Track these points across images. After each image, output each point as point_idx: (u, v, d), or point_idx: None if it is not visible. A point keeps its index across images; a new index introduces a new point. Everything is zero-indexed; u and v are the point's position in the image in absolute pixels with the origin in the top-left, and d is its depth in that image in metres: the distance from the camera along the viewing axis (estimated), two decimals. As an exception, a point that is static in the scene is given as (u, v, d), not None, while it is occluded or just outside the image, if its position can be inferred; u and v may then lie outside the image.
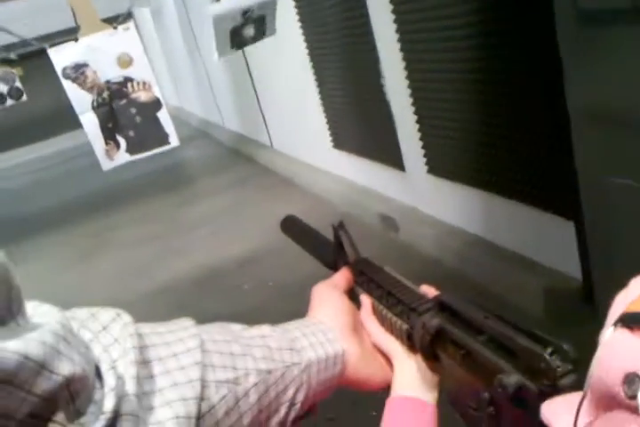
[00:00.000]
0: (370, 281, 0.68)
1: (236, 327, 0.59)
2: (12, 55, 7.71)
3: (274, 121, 5.81)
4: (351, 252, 0.72)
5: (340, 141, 4.30)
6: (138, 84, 3.49)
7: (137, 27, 3.68)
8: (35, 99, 10.67)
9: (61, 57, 3.37)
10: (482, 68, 2.47)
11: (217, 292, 3.57)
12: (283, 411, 0.57)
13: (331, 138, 4.40)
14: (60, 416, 0.36)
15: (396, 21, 2.97)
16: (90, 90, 3.44)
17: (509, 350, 0.46)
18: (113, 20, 3.52)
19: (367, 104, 3.67)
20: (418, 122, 3.14)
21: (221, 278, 3.74)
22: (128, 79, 3.48)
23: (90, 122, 3.47)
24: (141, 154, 3.63)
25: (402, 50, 3.02)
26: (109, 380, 0.41)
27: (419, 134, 3.18)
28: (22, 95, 7.39)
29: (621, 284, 0.35)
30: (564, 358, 0.41)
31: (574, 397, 0.34)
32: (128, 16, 3.93)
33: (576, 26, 1.29)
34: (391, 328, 0.63)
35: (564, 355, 0.41)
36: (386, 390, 0.64)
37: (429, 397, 0.59)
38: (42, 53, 3.52)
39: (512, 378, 0.44)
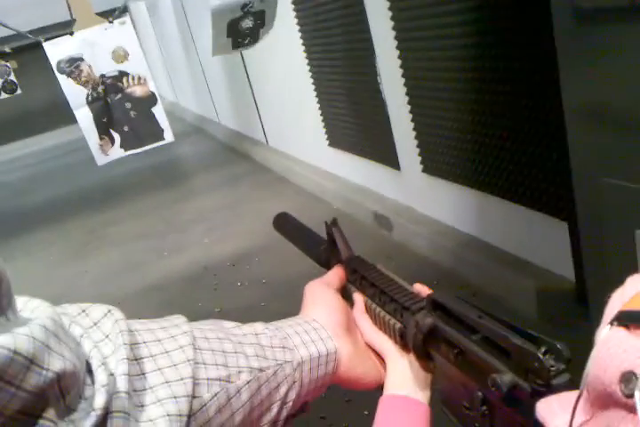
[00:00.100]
0: (363, 279, 0.67)
1: (229, 325, 0.59)
2: (7, 48, 7.67)
3: (269, 118, 5.80)
4: (344, 250, 0.72)
5: (335, 140, 4.30)
6: (133, 78, 3.47)
7: (133, 21, 3.66)
8: (29, 92, 10.62)
9: (56, 51, 3.35)
10: (477, 68, 2.47)
11: (210, 289, 3.57)
12: (275, 409, 0.57)
13: (326, 136, 4.39)
14: (50, 413, 0.36)
15: (392, 19, 2.97)
16: (85, 84, 3.42)
17: (503, 349, 0.45)
18: (109, 14, 3.50)
19: (363, 103, 3.67)
20: (413, 121, 3.14)
21: (215, 276, 3.73)
22: (123, 74, 3.46)
23: (84, 116, 3.45)
24: (136, 149, 3.62)
25: (398, 48, 3.02)
26: (100, 377, 0.40)
27: (414, 133, 3.18)
28: (16, 89, 7.36)
29: (614, 285, 0.35)
30: (557, 358, 0.41)
31: (570, 395, 0.33)
32: (124, 10, 3.90)
33: (573, 25, 1.29)
34: (384, 327, 0.63)
35: (558, 354, 0.41)
36: (378, 388, 0.63)
37: (422, 396, 0.58)
38: (36, 47, 3.50)
39: (505, 377, 0.43)
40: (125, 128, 3.58)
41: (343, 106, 3.94)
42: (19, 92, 7.44)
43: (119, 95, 3.49)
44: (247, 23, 2.37)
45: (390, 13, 2.97)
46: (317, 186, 4.68)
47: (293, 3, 4.09)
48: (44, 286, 4.11)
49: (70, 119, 3.78)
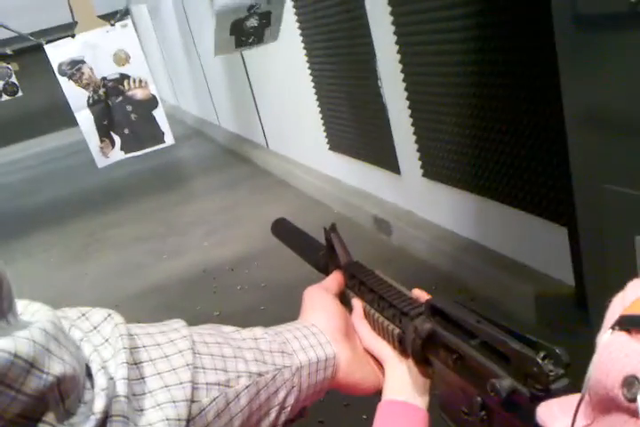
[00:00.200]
0: (361, 285, 0.67)
1: (228, 329, 0.59)
2: (8, 50, 7.68)
3: (270, 122, 5.80)
4: (343, 255, 0.72)
5: (335, 143, 4.30)
6: (134, 81, 3.48)
7: (134, 24, 3.67)
8: (30, 94, 10.64)
9: (58, 53, 3.36)
10: (477, 73, 2.47)
11: (210, 292, 3.56)
12: (273, 414, 0.57)
13: (326, 140, 4.40)
14: (49, 416, 0.36)
15: (393, 23, 2.98)
16: (86, 87, 3.43)
17: (502, 354, 0.45)
18: (110, 17, 3.50)
19: (363, 106, 3.67)
20: (413, 125, 3.14)
21: (214, 279, 3.73)
22: (124, 76, 3.46)
23: (85, 119, 3.45)
24: (136, 152, 3.62)
25: (399, 53, 3.02)
26: (100, 380, 0.40)
27: (414, 138, 3.18)
28: (18, 91, 7.37)
29: (614, 290, 0.35)
30: (556, 363, 0.41)
31: (570, 399, 0.34)
32: (125, 13, 3.91)
33: (574, 30, 1.29)
34: (383, 332, 0.63)
35: (557, 359, 0.41)
36: (377, 394, 0.63)
37: (420, 401, 0.58)
38: (38, 49, 3.50)
39: (504, 382, 0.43)
40: (126, 131, 3.58)
41: (344, 110, 3.95)
42: (20, 94, 7.45)
43: (120, 98, 3.50)
44: (252, 22, 2.37)
45: (391, 18, 2.98)
46: (317, 189, 4.68)
47: (295, 7, 4.10)
48: (44, 288, 4.11)
49: (71, 121, 3.79)
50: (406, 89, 3.09)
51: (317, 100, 4.30)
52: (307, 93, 4.37)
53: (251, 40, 2.50)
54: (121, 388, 0.42)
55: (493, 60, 2.36)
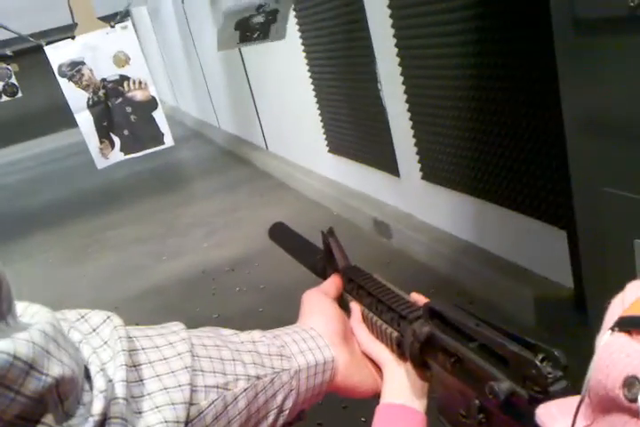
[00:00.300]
0: (359, 288, 0.68)
1: (227, 332, 0.59)
2: (8, 51, 7.69)
3: (269, 123, 5.81)
4: (340, 259, 0.72)
5: (335, 146, 4.31)
6: (134, 82, 3.48)
7: (134, 25, 3.67)
8: (30, 95, 10.64)
9: (58, 54, 3.36)
10: (477, 76, 2.48)
11: (209, 294, 3.56)
12: (271, 417, 0.57)
13: (326, 142, 4.40)
14: (48, 418, 0.36)
15: (393, 26, 2.98)
16: (85, 88, 3.43)
17: (500, 357, 0.45)
18: (110, 19, 3.51)
19: (363, 109, 3.67)
20: (413, 128, 3.15)
21: (214, 280, 3.73)
22: (124, 78, 3.47)
23: (85, 120, 3.45)
24: (136, 153, 3.62)
25: (399, 55, 3.03)
26: (99, 382, 0.40)
27: (413, 140, 3.19)
28: (17, 92, 7.37)
29: (613, 293, 0.35)
30: (554, 365, 0.41)
31: (569, 401, 0.34)
32: (126, 15, 3.92)
33: (573, 34, 1.30)
34: (381, 336, 0.63)
35: (555, 361, 0.41)
36: (375, 397, 0.63)
37: (419, 404, 0.58)
38: (38, 50, 3.51)
39: (503, 385, 0.43)
40: (125, 132, 3.58)
41: (343, 112, 3.95)
42: (19, 95, 7.46)
43: (120, 99, 3.50)
44: (258, 18, 2.37)
45: (391, 21, 2.98)
46: (317, 192, 4.68)
47: (295, 9, 4.11)
48: (43, 289, 4.10)
49: (71, 123, 3.79)
50: (406, 92, 3.09)
51: (317, 102, 4.30)
52: (306, 95, 4.38)
53: (255, 35, 2.49)
54: (120, 390, 0.42)
55: (492, 63, 2.36)
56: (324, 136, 4.38)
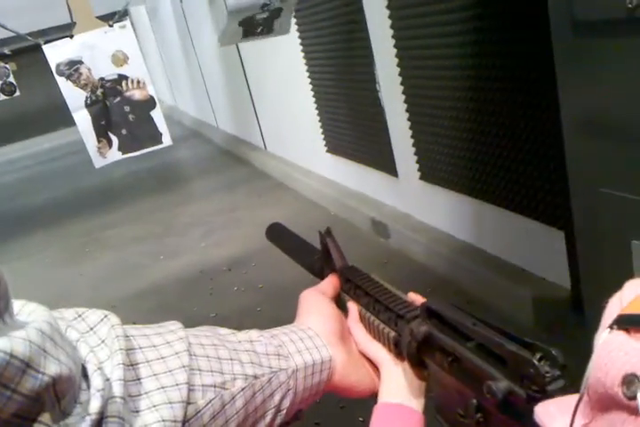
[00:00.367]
0: (357, 288, 0.68)
1: (224, 331, 0.59)
2: (6, 50, 7.68)
3: (268, 123, 5.81)
4: (338, 259, 0.72)
5: (333, 146, 4.31)
6: (132, 82, 3.48)
7: (133, 25, 3.67)
8: (28, 94, 10.63)
9: (56, 53, 3.35)
10: (476, 77, 2.48)
11: (207, 293, 3.56)
12: (269, 417, 0.57)
13: (324, 142, 4.40)
14: (45, 417, 0.36)
15: (392, 27, 2.98)
16: (84, 87, 3.43)
17: (498, 356, 0.45)
18: (109, 18, 3.50)
19: (361, 109, 3.67)
20: (411, 128, 3.15)
21: (211, 280, 3.73)
22: (122, 77, 3.46)
23: (83, 119, 3.45)
24: (134, 152, 3.62)
25: (397, 56, 3.03)
26: (96, 381, 0.40)
27: (412, 141, 3.19)
28: (15, 90, 7.36)
29: (610, 294, 0.35)
30: (552, 364, 0.41)
31: (568, 399, 0.34)
32: (124, 14, 3.91)
33: (571, 36, 1.30)
34: (378, 335, 0.63)
35: (553, 360, 0.41)
36: (372, 396, 0.64)
37: (416, 404, 0.59)
38: (36, 49, 3.50)
39: (501, 384, 0.44)
40: (124, 131, 3.58)
41: (341, 112, 3.95)
42: (17, 93, 7.45)
43: (118, 98, 3.50)
44: (262, 14, 2.36)
45: (390, 22, 2.98)
46: (315, 192, 4.68)
47: (294, 10, 4.11)
48: (41, 288, 4.10)
49: (69, 122, 3.79)
50: (404, 92, 3.09)
51: (315, 102, 4.30)
52: (305, 96, 4.38)
53: (259, 30, 2.48)
54: (117, 389, 0.42)
55: (491, 64, 2.37)
56: (323, 136, 4.39)
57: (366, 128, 3.70)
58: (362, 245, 3.56)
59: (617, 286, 0.35)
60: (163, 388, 0.46)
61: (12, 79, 7.26)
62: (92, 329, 0.45)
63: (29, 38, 3.61)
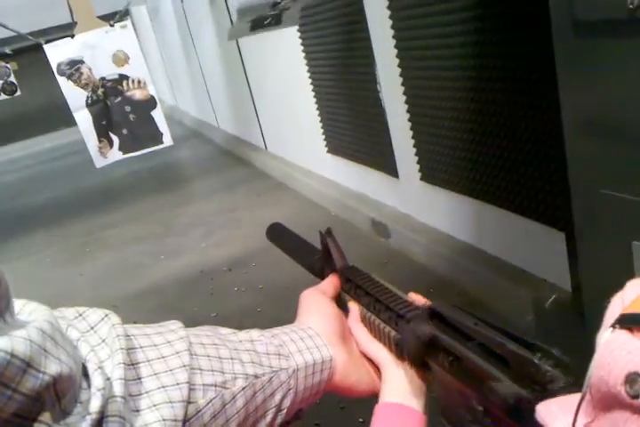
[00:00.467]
0: (357, 288, 0.68)
1: (225, 331, 0.59)
2: (7, 50, 7.68)
3: (268, 124, 5.81)
4: (338, 259, 0.72)
5: (334, 146, 4.31)
6: (133, 82, 3.48)
7: (134, 25, 3.67)
8: (29, 94, 10.64)
9: (57, 53, 3.36)
10: (476, 77, 2.48)
11: (207, 293, 3.56)
12: (269, 416, 0.57)
13: (325, 142, 4.40)
14: (45, 416, 0.36)
15: (392, 27, 2.98)
16: (84, 87, 3.43)
17: (500, 356, 0.45)
18: (110, 18, 3.51)
19: (362, 110, 3.67)
20: (412, 129, 3.15)
21: (212, 280, 3.73)
22: (123, 77, 3.47)
23: (84, 119, 3.45)
24: (134, 152, 3.62)
25: (398, 57, 3.03)
26: (96, 380, 0.40)
27: (412, 141, 3.19)
28: (16, 90, 7.37)
29: (611, 296, 0.35)
30: (553, 363, 0.41)
31: (569, 398, 0.34)
32: (125, 14, 3.92)
33: (572, 36, 1.30)
34: (379, 335, 0.63)
35: (554, 360, 0.41)
36: (372, 396, 0.64)
37: (417, 404, 0.59)
38: (37, 49, 3.51)
39: (503, 385, 0.44)
40: (124, 131, 3.58)
41: (342, 113, 3.95)
42: (18, 93, 7.46)
43: (119, 98, 3.50)
44: (272, 11, 2.36)
45: (390, 22, 2.98)
46: (315, 192, 4.68)
47: (269, 24, 4.11)
48: (41, 287, 4.10)
49: (70, 121, 3.79)
50: (405, 93, 3.09)
51: (316, 102, 4.30)
52: (306, 96, 4.38)
53: (267, 22, 2.47)
54: (117, 388, 0.42)
55: (492, 65, 2.37)
56: (323, 137, 4.39)
57: (367, 129, 3.70)
58: (362, 246, 3.56)
59: (618, 287, 0.35)
60: (163, 387, 0.46)
61: (12, 79, 7.26)
62: (92, 328, 0.45)
63: (30, 38, 3.61)
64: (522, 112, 2.29)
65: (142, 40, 9.29)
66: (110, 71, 3.44)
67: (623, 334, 0.30)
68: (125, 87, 3.48)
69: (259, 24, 2.44)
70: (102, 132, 3.52)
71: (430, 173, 3.13)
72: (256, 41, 4.98)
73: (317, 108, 4.32)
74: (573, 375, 0.40)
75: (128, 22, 3.47)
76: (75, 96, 3.42)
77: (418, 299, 0.63)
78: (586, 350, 0.35)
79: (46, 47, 3.35)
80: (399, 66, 3.04)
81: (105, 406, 0.39)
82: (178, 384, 0.47)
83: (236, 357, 0.55)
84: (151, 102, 3.55)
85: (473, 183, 2.75)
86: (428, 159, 3.11)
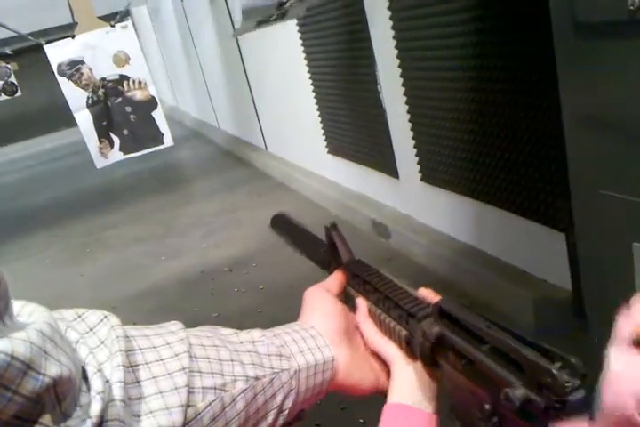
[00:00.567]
0: (365, 284, 0.66)
1: (226, 332, 0.59)
2: (8, 50, 7.68)
3: (269, 124, 5.81)
4: (345, 253, 0.71)
5: (334, 147, 4.31)
6: (134, 82, 3.48)
7: (134, 25, 3.67)
8: (29, 94, 10.65)
9: (57, 53, 3.36)
10: (477, 79, 2.48)
11: (207, 294, 3.56)
12: (270, 417, 0.56)
13: (325, 143, 4.40)
14: (46, 418, 0.36)
15: (393, 28, 2.98)
16: (85, 87, 3.43)
17: (514, 361, 0.45)
18: (110, 18, 3.51)
19: (363, 111, 3.67)
20: (412, 130, 3.15)
21: (212, 280, 3.73)
22: (124, 77, 3.47)
23: (84, 119, 3.45)
24: (135, 153, 3.62)
25: (398, 57, 3.03)
26: (96, 384, 0.40)
27: (413, 142, 3.19)
28: (17, 90, 7.38)
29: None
30: (572, 373, 0.40)
31: (581, 423, 0.33)
32: (126, 14, 3.92)
33: (573, 37, 1.30)
34: (389, 333, 0.62)
35: (573, 369, 0.40)
36: (376, 394, 0.63)
37: (427, 404, 0.58)
38: (38, 49, 3.51)
39: (518, 392, 0.43)
40: (125, 131, 3.58)
41: (343, 113, 3.95)
42: (19, 93, 7.47)
43: (119, 99, 3.50)
44: (278, 11, 2.35)
45: (391, 23, 2.98)
46: (316, 193, 4.68)
47: (276, 19, 4.10)
48: (41, 288, 4.10)
49: (70, 122, 3.79)
50: (405, 94, 3.09)
51: (317, 103, 4.30)
52: (306, 96, 4.38)
53: (273, 17, 2.46)
54: (117, 392, 0.41)
55: (492, 65, 2.37)
56: (324, 137, 4.39)
57: (367, 129, 3.70)
58: (362, 247, 3.54)
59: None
60: (161, 393, 0.46)
61: (13, 79, 7.27)
62: (91, 330, 0.45)
63: (31, 38, 3.61)
64: (522, 113, 2.29)
65: (143, 40, 9.29)
66: (111, 72, 3.44)
67: (634, 357, 0.29)
68: (126, 88, 3.48)
69: (264, 21, 2.44)
70: (103, 133, 3.52)
71: (431, 174, 3.13)
72: (256, 41, 4.98)
73: (318, 109, 4.32)
74: (590, 386, 0.39)
75: (129, 23, 3.47)
76: (75, 96, 3.42)
77: (428, 295, 0.63)
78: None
79: (47, 48, 3.36)
80: (400, 66, 3.04)
81: (105, 410, 0.39)
82: (176, 389, 0.47)
83: (236, 358, 0.54)
84: (152, 103, 3.55)
85: (473, 184, 2.75)
86: (428, 160, 3.11)
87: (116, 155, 3.59)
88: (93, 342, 0.44)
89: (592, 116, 1.33)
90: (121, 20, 3.47)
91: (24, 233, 5.74)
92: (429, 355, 0.55)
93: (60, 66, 3.37)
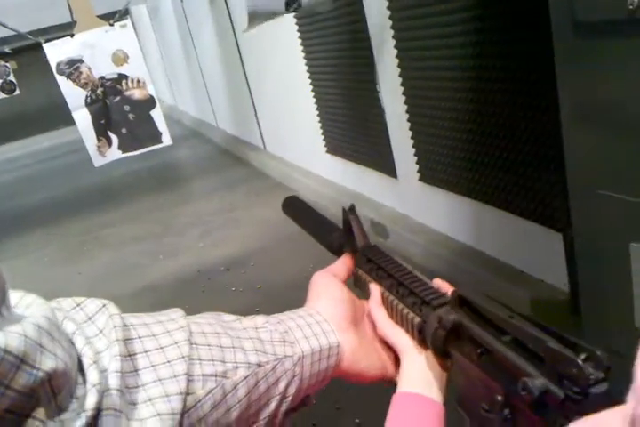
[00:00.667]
0: (379, 269, 0.65)
1: (229, 318, 0.58)
2: (7, 49, 7.67)
3: (267, 124, 5.81)
4: (360, 237, 0.69)
5: (333, 146, 4.30)
6: (132, 81, 3.48)
7: (133, 24, 3.67)
8: (28, 93, 10.63)
9: (56, 52, 3.35)
10: (476, 78, 2.48)
11: (205, 294, 3.55)
12: (273, 404, 0.56)
13: (324, 143, 4.40)
14: (40, 412, 0.36)
15: (392, 28, 2.98)
16: (84, 86, 3.42)
17: (533, 352, 0.44)
18: (109, 17, 3.50)
19: (361, 110, 3.67)
20: (411, 129, 3.15)
21: (209, 280, 3.72)
22: (123, 76, 3.46)
23: (82, 118, 3.45)
24: (133, 152, 3.62)
25: (397, 57, 3.03)
26: (91, 376, 0.40)
27: (411, 142, 3.19)
28: (15, 89, 7.37)
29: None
30: (597, 366, 0.39)
31: (604, 417, 0.31)
32: (125, 13, 3.91)
33: (572, 37, 1.30)
34: (401, 320, 0.61)
35: (597, 362, 0.39)
36: (382, 381, 0.62)
37: (437, 394, 0.57)
38: (36, 48, 3.50)
39: (537, 382, 0.42)
40: (123, 130, 3.58)
41: (341, 113, 3.95)
42: (17, 92, 7.45)
43: (118, 98, 3.50)
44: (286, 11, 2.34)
45: (390, 22, 2.98)
46: (314, 192, 4.68)
47: (295, 10, 4.10)
48: (39, 286, 4.08)
49: (68, 120, 3.78)
50: (404, 93, 3.09)
51: (315, 102, 4.30)
52: (305, 96, 4.38)
53: (291, 8, 2.45)
54: (113, 381, 0.41)
55: (491, 65, 2.37)
56: (322, 137, 4.38)
57: (366, 129, 3.70)
58: (360, 246, 3.55)
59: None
60: (160, 380, 0.45)
61: (12, 78, 7.26)
62: (90, 319, 0.45)
63: (30, 37, 3.60)
64: (521, 113, 2.29)
65: (142, 39, 9.29)
66: (110, 70, 3.44)
67: None
68: (125, 86, 3.48)
69: (274, 14, 2.44)
70: (101, 132, 3.52)
71: (429, 174, 3.13)
72: (256, 40, 4.98)
73: (317, 109, 4.32)
74: (612, 379, 0.39)
75: (128, 22, 3.47)
76: (74, 95, 3.42)
77: (443, 285, 0.61)
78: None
79: (46, 46, 3.35)
80: (399, 66, 3.04)
81: (100, 402, 0.39)
82: (175, 377, 0.46)
83: (238, 345, 0.54)
84: (150, 102, 3.55)
85: (472, 184, 2.75)
86: (426, 160, 3.11)
87: (114, 153, 3.59)
88: (92, 331, 0.44)
89: (590, 116, 1.33)
90: (120, 19, 3.47)
91: (22, 231, 5.73)
92: (442, 343, 0.54)
93: (58, 64, 3.37)
